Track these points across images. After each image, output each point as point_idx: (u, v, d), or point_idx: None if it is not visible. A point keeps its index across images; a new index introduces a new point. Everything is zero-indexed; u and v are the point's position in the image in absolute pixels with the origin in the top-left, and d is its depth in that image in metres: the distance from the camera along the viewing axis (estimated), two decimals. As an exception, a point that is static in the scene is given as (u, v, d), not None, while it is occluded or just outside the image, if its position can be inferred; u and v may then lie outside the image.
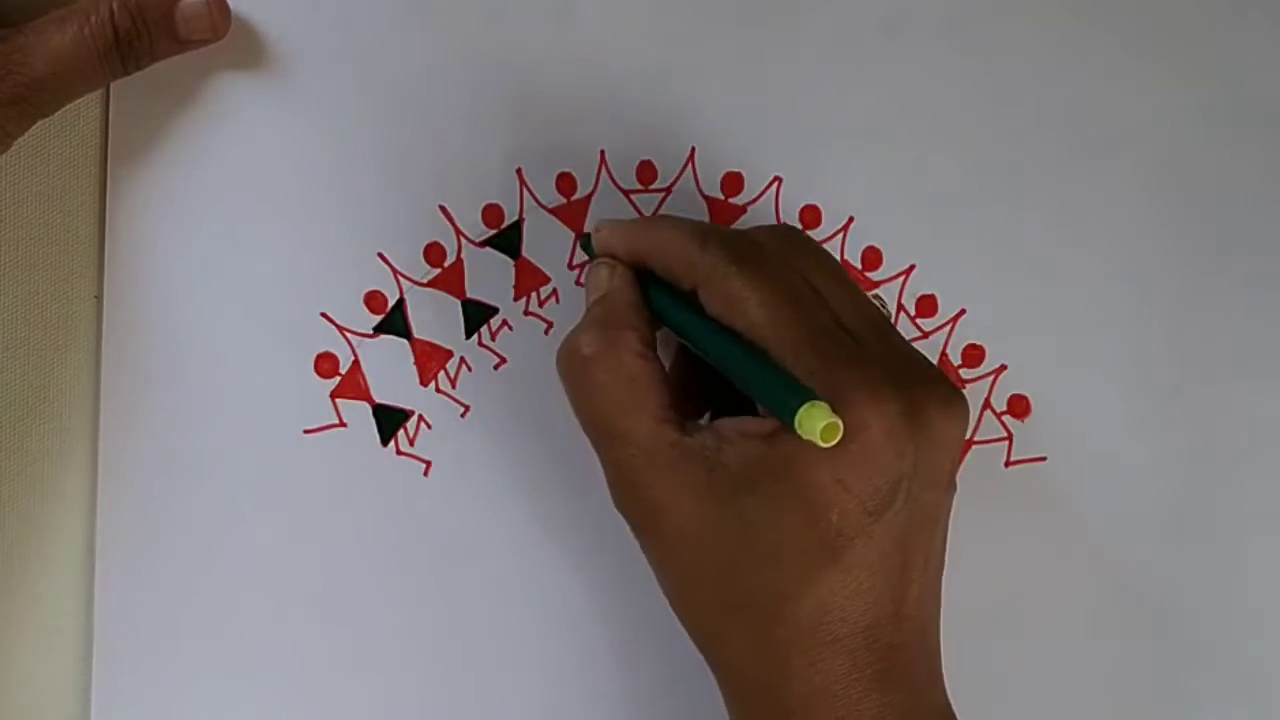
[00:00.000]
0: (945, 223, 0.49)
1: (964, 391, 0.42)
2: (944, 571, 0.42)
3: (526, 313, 0.49)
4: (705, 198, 0.49)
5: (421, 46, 0.48)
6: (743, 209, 0.49)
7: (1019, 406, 0.49)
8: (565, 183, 0.48)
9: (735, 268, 0.41)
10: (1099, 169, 0.49)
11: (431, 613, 0.49)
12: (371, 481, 0.48)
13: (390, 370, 0.48)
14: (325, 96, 0.48)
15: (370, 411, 0.48)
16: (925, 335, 0.49)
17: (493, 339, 0.49)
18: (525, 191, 0.48)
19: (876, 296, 0.49)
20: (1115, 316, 0.49)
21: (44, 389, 0.48)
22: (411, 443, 0.49)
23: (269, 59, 0.47)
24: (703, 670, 0.42)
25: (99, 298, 0.48)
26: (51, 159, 0.47)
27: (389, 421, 0.48)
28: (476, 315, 0.49)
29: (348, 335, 0.48)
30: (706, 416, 0.45)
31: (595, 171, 0.48)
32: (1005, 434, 0.49)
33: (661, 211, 0.49)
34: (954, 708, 0.42)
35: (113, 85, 0.47)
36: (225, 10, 0.46)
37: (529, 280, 0.49)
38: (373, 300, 0.48)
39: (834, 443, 0.37)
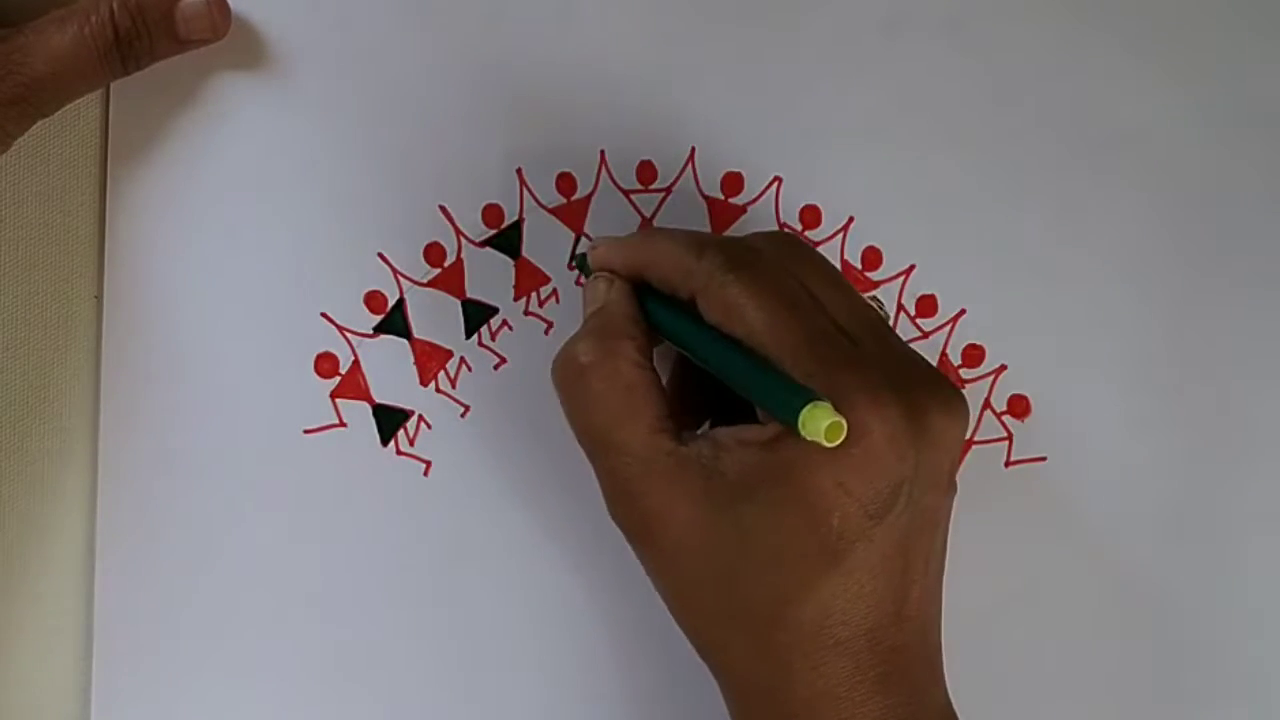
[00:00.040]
0: (945, 223, 0.49)
1: (964, 392, 0.42)
2: (944, 572, 0.42)
3: (526, 313, 0.49)
4: (705, 198, 0.49)
5: (421, 46, 0.48)
6: (743, 209, 0.49)
7: (1019, 406, 0.49)
8: (565, 183, 0.48)
9: (732, 275, 0.41)
10: (1099, 169, 0.49)
11: (431, 613, 0.49)
12: (371, 481, 0.48)
13: (390, 370, 0.48)
14: (325, 96, 0.48)
15: (370, 411, 0.48)
16: (925, 335, 0.49)
17: (493, 339, 0.49)
18: (525, 191, 0.48)
19: (874, 298, 0.49)
20: (1115, 316, 0.49)
21: (44, 389, 0.48)
22: (411, 443, 0.49)
23: (269, 59, 0.47)
24: (703, 671, 0.42)
25: (99, 298, 0.48)
26: (51, 159, 0.47)
27: (389, 421, 0.48)
28: (476, 315, 0.49)
29: (348, 335, 0.48)
30: (705, 427, 0.45)
31: (595, 171, 0.48)
32: (1005, 434, 0.49)
33: (661, 211, 0.49)
34: (954, 707, 0.42)
35: (113, 85, 0.47)
36: (225, 10, 0.46)
37: (529, 280, 0.49)
38: (373, 300, 0.48)
39: (838, 442, 0.37)
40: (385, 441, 0.48)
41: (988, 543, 0.49)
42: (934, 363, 0.48)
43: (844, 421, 0.37)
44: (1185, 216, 0.49)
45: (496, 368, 0.49)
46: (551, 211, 0.48)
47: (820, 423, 0.37)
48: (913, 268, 0.49)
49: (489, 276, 0.48)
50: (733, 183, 0.49)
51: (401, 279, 0.48)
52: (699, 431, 0.43)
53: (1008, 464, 0.49)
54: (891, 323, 0.49)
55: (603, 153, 0.48)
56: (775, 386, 0.39)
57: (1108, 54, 0.49)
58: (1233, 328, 0.49)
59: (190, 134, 0.47)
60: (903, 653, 0.40)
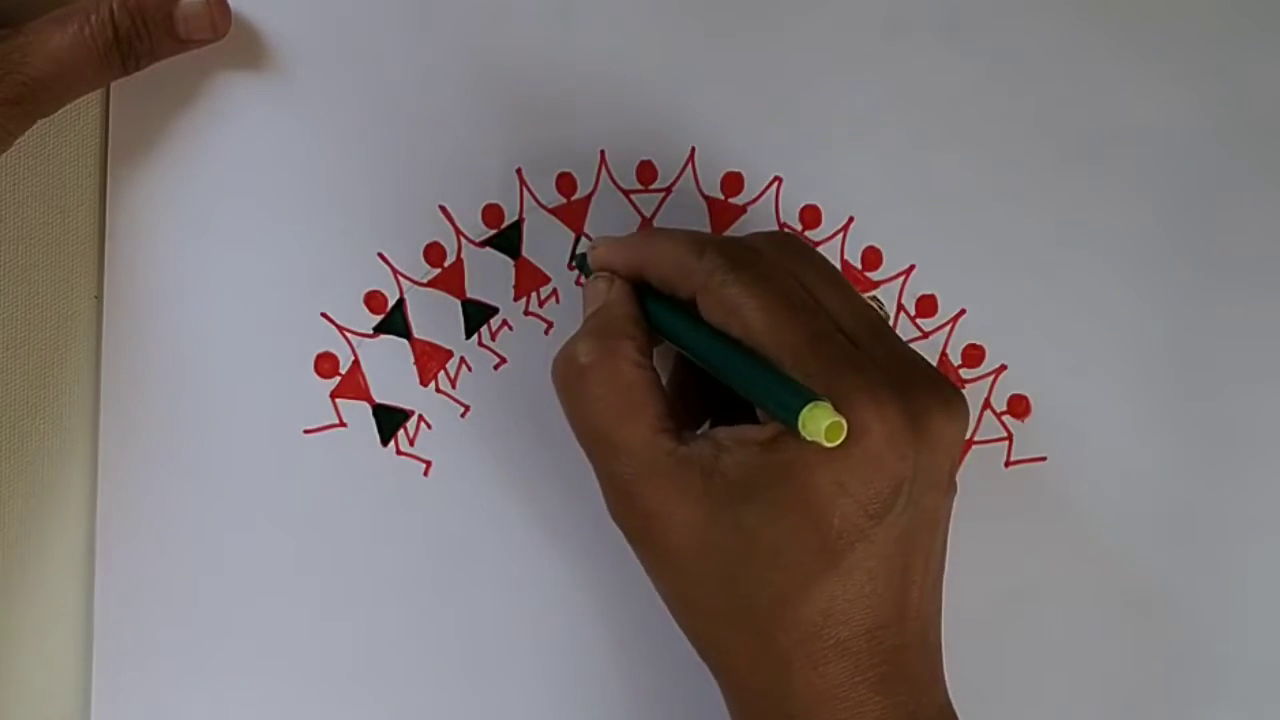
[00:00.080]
0: (945, 223, 0.49)
1: (964, 392, 0.42)
2: (944, 572, 0.42)
3: (526, 313, 0.49)
4: (705, 198, 0.49)
5: (421, 46, 0.48)
6: (743, 209, 0.49)
7: (1019, 406, 0.49)
8: (565, 183, 0.48)
9: (733, 275, 0.41)
10: (1099, 169, 0.49)
11: (432, 612, 0.49)
12: (371, 481, 0.48)
13: (390, 370, 0.48)
14: (325, 96, 0.48)
15: (370, 411, 0.48)
16: (925, 335, 0.49)
17: (493, 339, 0.49)
18: (525, 191, 0.48)
19: (874, 298, 0.49)
20: (1115, 316, 0.49)
21: (44, 389, 0.48)
22: (411, 443, 0.49)
23: (269, 59, 0.47)
24: (703, 671, 0.42)
25: (99, 298, 0.48)
26: (51, 159, 0.47)
27: (389, 421, 0.48)
28: (476, 315, 0.49)
29: (348, 335, 0.48)
30: (704, 428, 0.45)
31: (595, 171, 0.48)
32: (1005, 434, 0.49)
33: (661, 211, 0.49)
34: (955, 707, 0.42)
35: (113, 85, 0.47)
36: (225, 10, 0.46)
37: (529, 280, 0.49)
38: (373, 300, 0.48)
39: (838, 443, 0.37)
40: (385, 441, 0.48)
41: (988, 543, 0.49)
42: (934, 363, 0.47)
43: (844, 422, 0.37)
44: (1185, 216, 0.49)
45: (496, 368, 0.49)
46: (551, 211, 0.48)
47: (820, 423, 0.37)
48: (913, 268, 0.49)
49: (489, 276, 0.48)
50: (733, 183, 0.49)
51: (401, 279, 0.48)
52: (699, 432, 0.43)
53: (1008, 464, 0.49)
54: (891, 323, 0.49)
55: (603, 153, 0.48)
56: (775, 386, 0.39)
57: (1108, 54, 0.49)
58: (1233, 328, 0.49)
59: (190, 134, 0.47)
60: (903, 653, 0.40)
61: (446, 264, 0.48)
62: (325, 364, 0.48)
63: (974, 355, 0.49)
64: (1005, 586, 0.49)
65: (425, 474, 0.49)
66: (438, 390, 0.48)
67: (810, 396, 0.37)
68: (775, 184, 0.49)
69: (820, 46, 0.48)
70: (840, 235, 0.49)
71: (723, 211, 0.49)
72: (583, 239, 0.48)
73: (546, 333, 0.49)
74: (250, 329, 0.48)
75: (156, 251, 0.48)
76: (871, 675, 0.39)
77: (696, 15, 0.48)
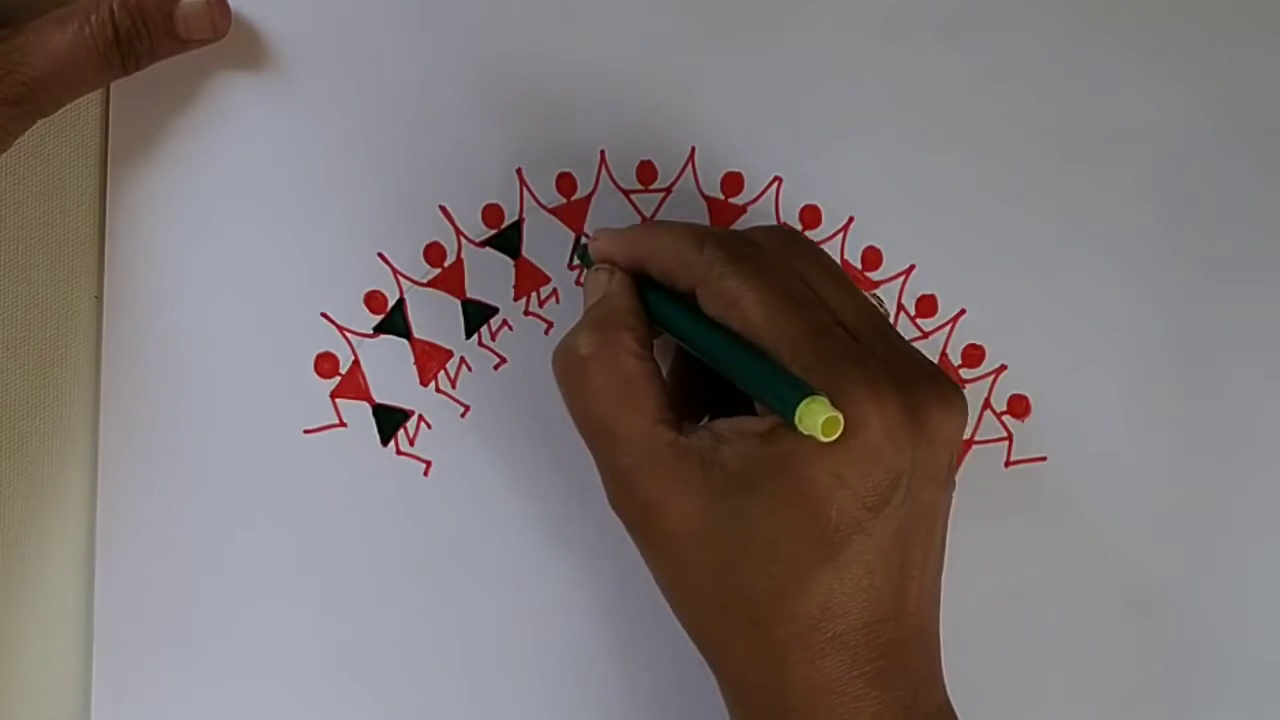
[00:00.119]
0: (945, 223, 0.49)
1: (963, 390, 0.42)
2: (944, 570, 0.42)
3: (526, 313, 0.49)
4: (705, 198, 0.49)
5: (421, 46, 0.48)
6: (743, 209, 0.49)
7: (1019, 406, 0.49)
8: (565, 183, 0.48)
9: (733, 268, 0.41)
10: (1099, 169, 0.49)
11: (432, 612, 0.49)
12: (371, 481, 0.48)
13: (390, 370, 0.48)
14: (325, 96, 0.48)
15: (370, 411, 0.48)
16: (925, 335, 0.49)
17: (493, 339, 0.49)
18: (525, 191, 0.48)
19: (875, 296, 0.49)
20: (1115, 317, 0.49)
21: (44, 389, 0.48)
22: (411, 443, 0.49)
23: (269, 59, 0.47)
24: (703, 670, 0.42)
25: (99, 298, 0.48)
26: (51, 159, 0.47)
27: (389, 421, 0.48)
28: (476, 315, 0.49)
29: (348, 335, 0.48)
30: (705, 419, 0.45)
31: (595, 171, 0.48)
32: (1005, 434, 0.49)
33: (661, 211, 0.49)
34: (954, 706, 0.42)
35: (113, 85, 0.47)
36: (225, 10, 0.46)
37: (529, 280, 0.49)
38: (373, 300, 0.48)
39: (834, 437, 0.37)
40: (385, 441, 0.48)
41: (988, 543, 0.49)
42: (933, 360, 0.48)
43: (840, 417, 0.37)
44: (1185, 216, 0.49)
45: (496, 368, 0.49)
46: (551, 211, 0.48)
47: (817, 417, 0.37)
48: (913, 268, 0.49)
49: (489, 276, 0.48)
50: (733, 183, 0.49)
51: (401, 279, 0.48)
52: (699, 423, 0.43)
53: (1008, 464, 0.49)
54: (891, 321, 0.49)
55: (603, 153, 0.48)
56: (773, 380, 0.39)
57: (1108, 54, 0.49)
58: (1233, 327, 0.49)
59: (190, 134, 0.47)
60: (901, 647, 0.40)
61: (446, 264, 0.48)
62: (325, 364, 0.48)
63: (974, 355, 0.49)
64: (1005, 586, 0.49)
65: (425, 474, 0.49)
66: (438, 390, 0.48)
67: (808, 391, 0.37)
68: (775, 184, 0.49)
69: (820, 46, 0.48)
70: (840, 235, 0.49)
71: (723, 211, 0.49)
72: (583, 238, 0.48)
73: (546, 333, 0.49)
74: (250, 329, 0.48)
75: (156, 251, 0.48)
76: (869, 670, 0.39)
77: (696, 15, 0.48)
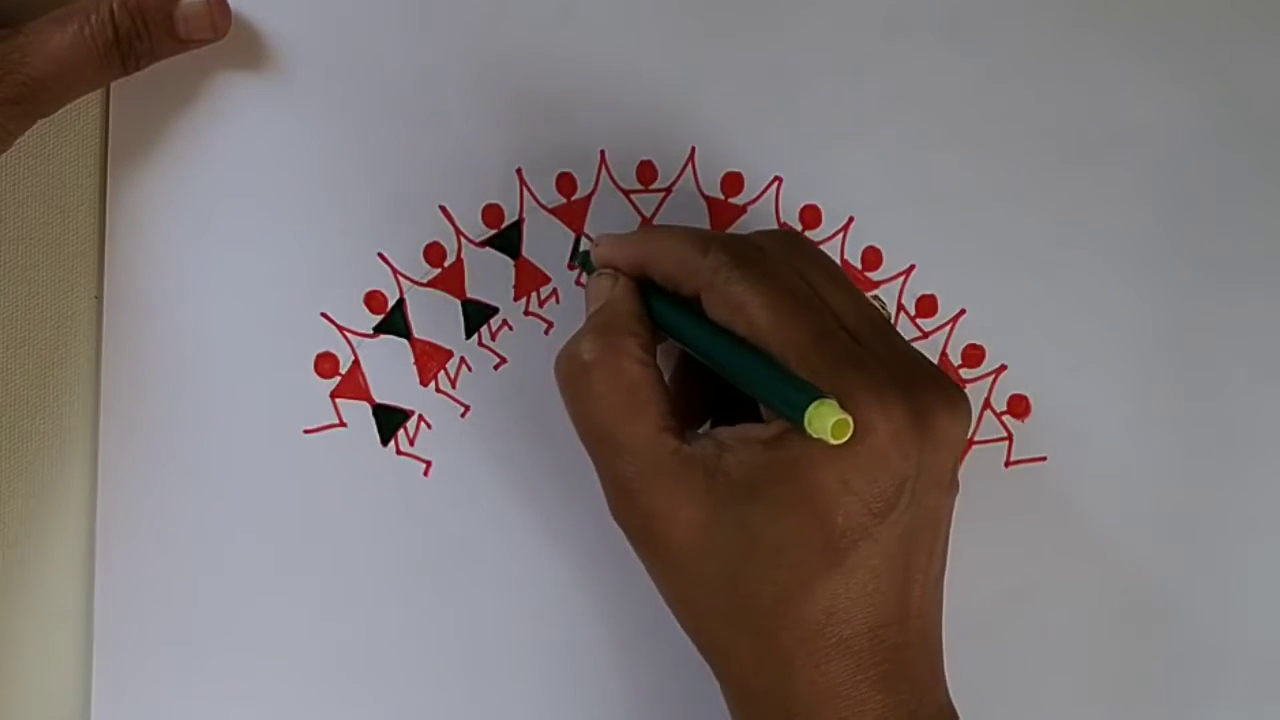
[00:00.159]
0: (945, 223, 0.49)
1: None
2: (945, 571, 0.42)
3: (526, 313, 0.49)
4: (705, 198, 0.49)
5: (422, 46, 0.48)
6: (743, 209, 0.49)
7: (1019, 406, 0.49)
8: (565, 183, 0.48)
9: (738, 272, 0.41)
10: (1099, 169, 0.49)
11: (432, 612, 0.49)
12: (371, 481, 0.48)
13: (390, 370, 0.48)
14: (325, 96, 0.48)
15: (370, 411, 0.48)
16: (925, 335, 0.49)
17: (493, 339, 0.49)
18: (525, 191, 0.48)
19: (876, 297, 0.49)
20: (1115, 317, 0.49)
21: (44, 389, 0.48)
22: (411, 443, 0.49)
23: (269, 59, 0.47)
24: (703, 670, 0.42)
25: (99, 298, 0.48)
26: (51, 159, 0.47)
27: (389, 421, 0.48)
28: (476, 315, 0.49)
29: (348, 335, 0.48)
30: (706, 426, 0.45)
31: (595, 171, 0.48)
32: (1005, 434, 0.49)
33: (662, 211, 0.49)
34: (955, 706, 0.42)
35: (113, 85, 0.47)
36: (225, 10, 0.46)
37: (529, 280, 0.49)
38: (373, 300, 0.48)
39: (844, 440, 0.37)
40: (385, 441, 0.48)
41: (988, 543, 0.49)
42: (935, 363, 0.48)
43: (850, 419, 0.37)
44: (1185, 216, 0.49)
45: (496, 368, 0.49)
46: (551, 211, 0.48)
47: (826, 420, 0.37)
48: (913, 268, 0.49)
49: (489, 276, 0.48)
50: (733, 183, 0.49)
51: (401, 279, 0.48)
52: (701, 430, 0.43)
53: (1008, 464, 0.49)
54: (892, 322, 0.49)
55: (603, 153, 0.48)
56: (780, 384, 0.39)
57: (1108, 54, 0.49)
58: (1233, 328, 0.49)
59: (190, 134, 0.47)
60: (904, 651, 0.40)
61: (446, 264, 0.48)
62: (325, 364, 0.48)
63: (974, 355, 0.49)
64: (1006, 587, 0.49)
65: (425, 474, 0.49)
66: (438, 390, 0.48)
67: (816, 394, 0.37)
68: (775, 184, 0.49)
69: (820, 46, 0.48)
70: (840, 235, 0.49)
71: (723, 211, 0.49)
72: (583, 239, 0.48)
73: (546, 333, 0.49)
74: (250, 329, 0.48)
75: (156, 251, 0.48)
76: (873, 674, 0.39)
77: (696, 15, 0.48)
